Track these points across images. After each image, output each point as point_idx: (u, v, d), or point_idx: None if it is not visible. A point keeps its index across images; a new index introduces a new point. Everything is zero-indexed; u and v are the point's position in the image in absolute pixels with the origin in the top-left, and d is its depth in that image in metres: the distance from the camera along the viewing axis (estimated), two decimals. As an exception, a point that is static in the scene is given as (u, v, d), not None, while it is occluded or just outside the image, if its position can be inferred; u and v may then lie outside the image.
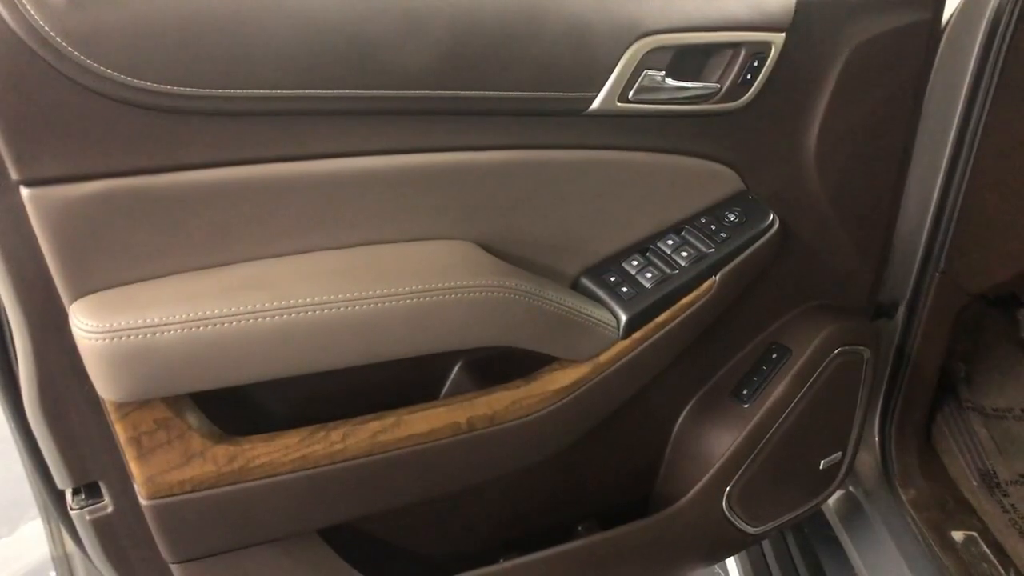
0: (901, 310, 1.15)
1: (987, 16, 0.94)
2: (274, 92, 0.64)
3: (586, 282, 0.85)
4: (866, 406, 1.08)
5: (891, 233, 1.05)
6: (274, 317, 0.65)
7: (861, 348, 1.02)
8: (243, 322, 0.64)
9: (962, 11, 0.96)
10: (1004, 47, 0.96)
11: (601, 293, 0.84)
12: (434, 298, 0.70)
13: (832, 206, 0.94)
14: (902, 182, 1.01)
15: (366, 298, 0.68)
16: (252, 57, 0.62)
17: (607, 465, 0.98)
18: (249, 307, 0.64)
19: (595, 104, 0.76)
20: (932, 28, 0.90)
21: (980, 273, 1.09)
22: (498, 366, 0.83)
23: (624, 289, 0.84)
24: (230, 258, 0.68)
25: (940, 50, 0.95)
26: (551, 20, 0.72)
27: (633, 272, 0.85)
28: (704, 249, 0.86)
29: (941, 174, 1.01)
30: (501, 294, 0.73)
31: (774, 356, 0.99)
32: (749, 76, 0.81)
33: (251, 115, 0.65)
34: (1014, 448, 1.30)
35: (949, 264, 1.08)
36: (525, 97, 0.74)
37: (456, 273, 0.72)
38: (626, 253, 0.86)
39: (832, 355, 0.99)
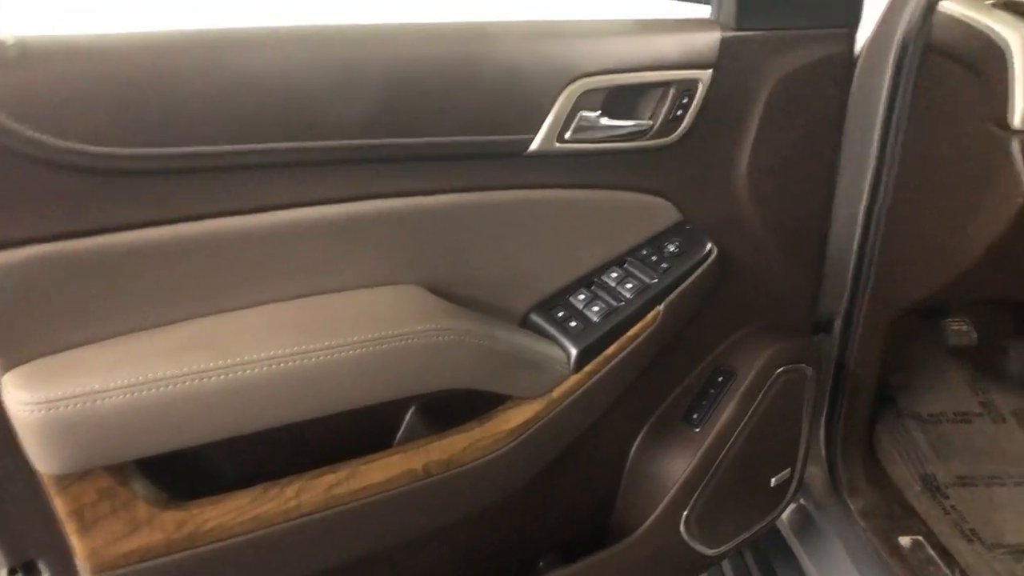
0: (837, 325, 1.19)
1: (894, 47, 1.00)
2: (210, 148, 0.63)
3: (535, 318, 0.86)
4: (811, 421, 1.12)
5: (823, 254, 1.09)
6: (221, 376, 0.63)
7: (802, 366, 1.06)
8: (189, 383, 0.62)
9: (871, 44, 1.01)
10: (913, 74, 1.02)
11: (550, 329, 0.85)
12: (384, 346, 0.69)
13: (766, 231, 0.98)
14: (830, 205, 1.05)
15: (315, 350, 0.67)
16: (186, 114, 0.61)
17: (565, 499, 0.98)
18: (195, 367, 0.62)
19: (534, 145, 0.77)
20: (846, 60, 0.95)
21: (906, 288, 1.15)
22: (452, 407, 0.83)
23: (573, 324, 0.85)
24: (174, 317, 0.66)
25: (855, 80, 1.00)
26: (487, 66, 0.74)
27: (580, 306, 0.86)
28: (647, 280, 0.88)
29: (865, 196, 1.06)
30: (451, 337, 0.73)
31: (720, 379, 1.01)
32: (680, 112, 0.84)
33: (188, 172, 0.64)
34: (950, 451, 1.36)
35: (878, 280, 1.13)
36: (465, 142, 0.75)
37: (405, 319, 0.72)
38: (573, 287, 0.88)
39: (775, 375, 1.02)
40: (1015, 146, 0.93)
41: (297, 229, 0.70)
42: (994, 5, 0.98)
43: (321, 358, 0.67)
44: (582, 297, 0.87)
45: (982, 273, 1.06)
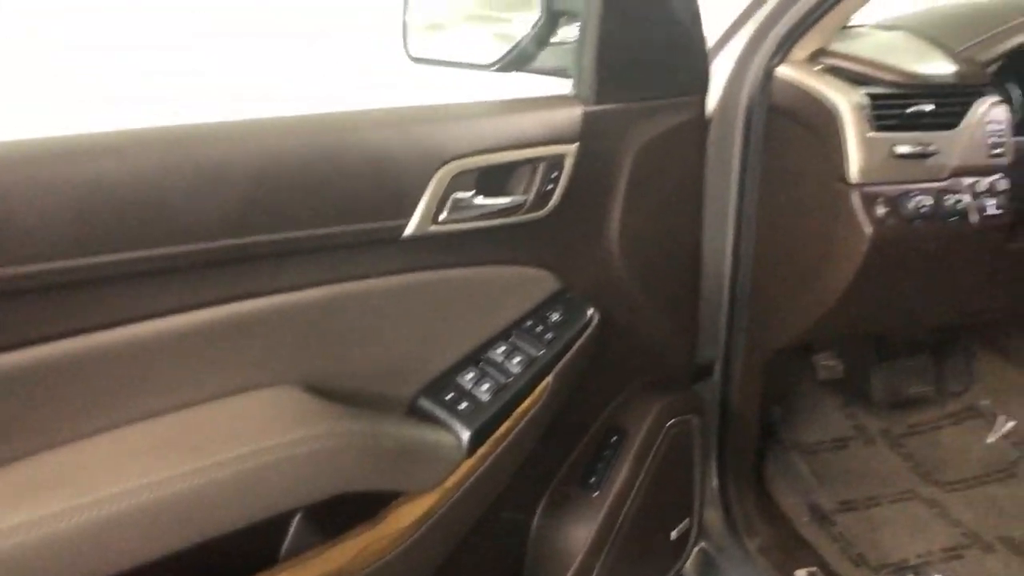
0: (717, 371, 1.24)
1: (741, 111, 1.07)
2: (59, 264, 0.58)
3: (424, 403, 0.83)
4: (703, 467, 1.15)
5: (697, 306, 1.14)
6: (78, 517, 0.56)
7: (689, 416, 1.09)
8: (37, 531, 0.55)
9: (720, 109, 1.08)
10: (760, 134, 1.09)
11: (440, 413, 0.83)
12: (259, 460, 0.65)
13: (642, 290, 1.01)
14: (699, 260, 1.10)
15: (186, 473, 0.61)
16: (29, 228, 0.56)
17: None
18: (46, 511, 0.56)
19: (409, 230, 0.76)
20: (700, 125, 1.01)
21: (776, 331, 1.22)
22: (341, 507, 0.78)
23: (463, 405, 0.83)
24: (17, 454, 0.59)
25: (710, 142, 1.07)
26: (354, 155, 0.72)
27: (469, 386, 0.85)
28: (534, 352, 0.88)
29: (729, 250, 1.12)
30: (332, 442, 0.69)
31: (613, 439, 1.02)
32: (551, 186, 0.86)
33: (35, 291, 0.58)
34: (831, 477, 1.44)
35: (751, 326, 1.19)
36: (337, 232, 0.73)
37: (281, 427, 0.67)
38: (460, 367, 0.86)
39: (665, 429, 1.04)
40: (855, 198, 1.01)
41: (161, 340, 0.65)
42: (823, 70, 1.08)
43: (194, 482, 0.61)
44: (470, 376, 0.85)
45: (841, 313, 1.14)
